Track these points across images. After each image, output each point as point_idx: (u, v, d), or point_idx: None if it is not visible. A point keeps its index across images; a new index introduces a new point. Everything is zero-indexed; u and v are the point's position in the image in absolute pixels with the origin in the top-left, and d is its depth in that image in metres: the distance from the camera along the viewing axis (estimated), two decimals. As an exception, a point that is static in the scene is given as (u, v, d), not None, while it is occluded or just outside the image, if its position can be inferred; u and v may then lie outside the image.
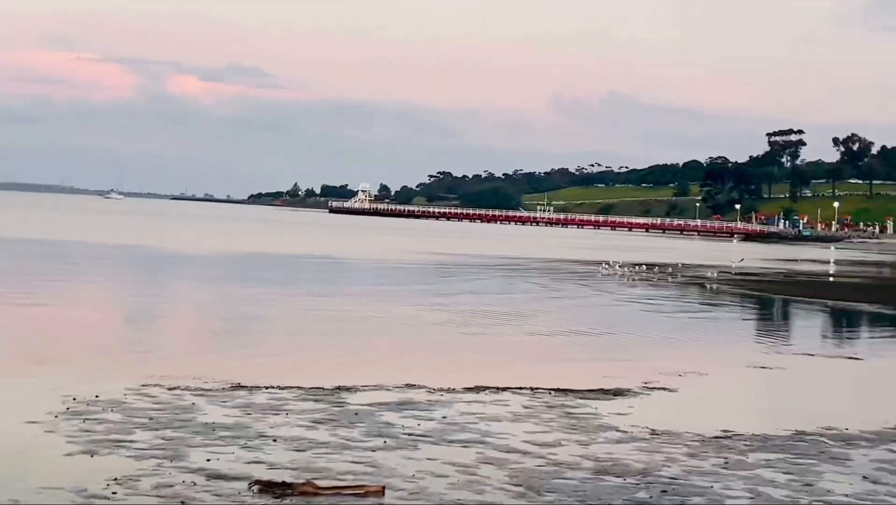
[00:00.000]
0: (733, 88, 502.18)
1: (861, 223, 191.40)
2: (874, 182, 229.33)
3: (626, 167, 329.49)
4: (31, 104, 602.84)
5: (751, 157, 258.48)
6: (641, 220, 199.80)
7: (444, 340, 20.70)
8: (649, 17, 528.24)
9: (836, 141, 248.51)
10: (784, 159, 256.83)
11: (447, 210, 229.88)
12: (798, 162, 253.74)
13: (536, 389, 14.84)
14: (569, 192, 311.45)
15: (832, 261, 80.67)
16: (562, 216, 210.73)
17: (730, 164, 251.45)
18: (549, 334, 22.44)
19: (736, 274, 50.68)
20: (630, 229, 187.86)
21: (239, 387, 13.60)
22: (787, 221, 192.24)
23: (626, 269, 48.29)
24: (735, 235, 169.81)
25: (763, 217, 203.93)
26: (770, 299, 35.38)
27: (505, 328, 23.02)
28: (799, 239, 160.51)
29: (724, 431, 12.54)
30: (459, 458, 10.37)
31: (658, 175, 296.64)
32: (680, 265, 54.95)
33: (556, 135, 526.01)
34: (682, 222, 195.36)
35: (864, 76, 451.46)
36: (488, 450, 10.80)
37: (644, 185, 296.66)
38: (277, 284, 33.43)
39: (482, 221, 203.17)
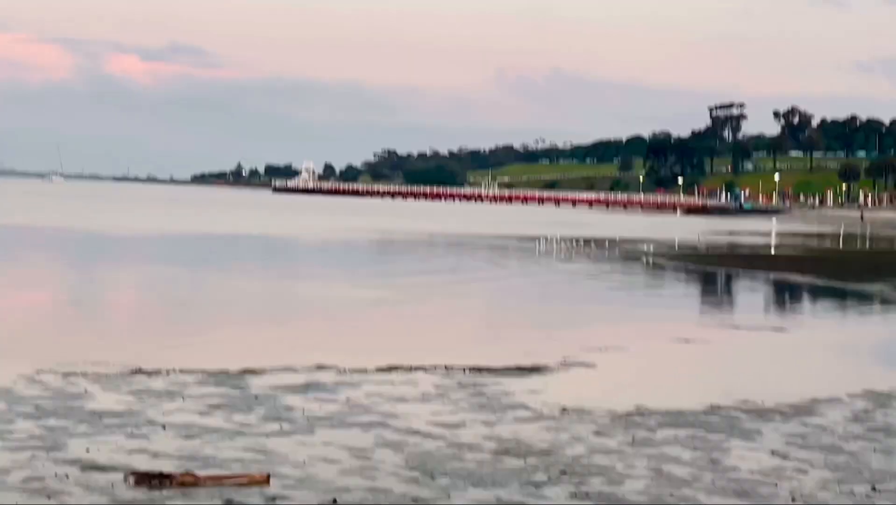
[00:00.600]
0: (676, 63, 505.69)
1: (801, 195, 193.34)
2: (815, 154, 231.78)
3: (571, 143, 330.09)
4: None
5: (693, 131, 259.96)
6: (585, 196, 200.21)
7: (371, 320, 20.29)
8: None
9: (776, 114, 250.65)
10: (726, 133, 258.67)
11: (392, 188, 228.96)
12: (739, 135, 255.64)
13: (451, 367, 14.47)
14: (514, 168, 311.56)
15: (769, 233, 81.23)
16: (506, 193, 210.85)
17: (672, 139, 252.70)
18: (477, 311, 22.15)
19: (673, 247, 50.75)
20: (574, 205, 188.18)
21: (139, 372, 13.08)
22: (729, 195, 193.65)
23: (563, 244, 48.18)
24: (678, 209, 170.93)
25: (706, 191, 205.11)
26: (703, 272, 35.32)
27: (435, 306, 22.68)
28: (740, 212, 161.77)
29: (637, 406, 12.27)
30: (356, 441, 9.98)
31: (602, 151, 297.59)
32: (618, 239, 55.00)
33: (500, 112, 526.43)
34: (625, 197, 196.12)
35: (805, 50, 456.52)
36: (388, 432, 10.41)
37: (588, 160, 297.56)
38: (213, 265, 32.84)
39: (427, 199, 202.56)
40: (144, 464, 8.84)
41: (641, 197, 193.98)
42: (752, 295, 28.96)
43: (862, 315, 23.97)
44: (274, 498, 8.11)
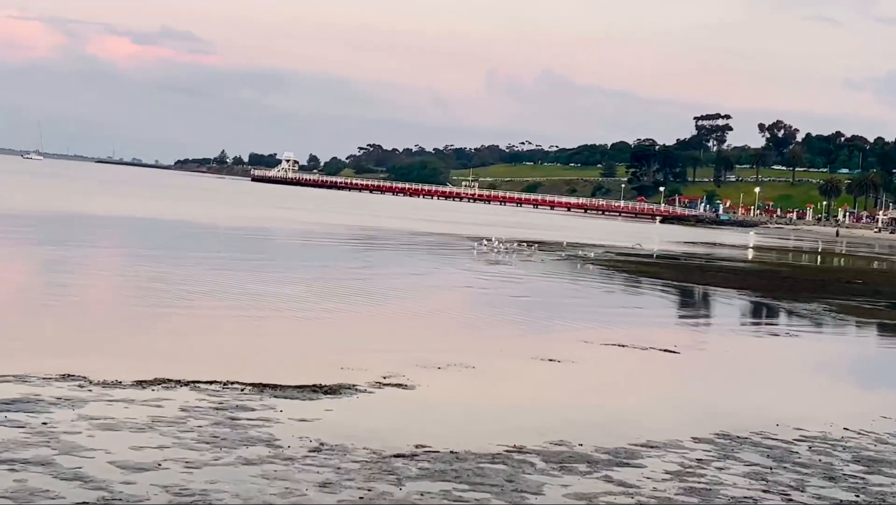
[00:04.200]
0: (666, 73, 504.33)
1: (779, 209, 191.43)
2: (797, 169, 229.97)
3: (556, 146, 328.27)
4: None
5: (678, 140, 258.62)
6: (564, 200, 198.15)
7: (214, 319, 17.91)
8: (585, 0, 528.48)
9: (761, 127, 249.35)
10: (710, 143, 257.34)
11: (371, 183, 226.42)
12: (724, 146, 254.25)
13: (232, 383, 12.12)
14: (497, 168, 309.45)
15: (734, 245, 79.03)
16: (485, 193, 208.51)
17: (657, 147, 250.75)
18: (345, 316, 19.71)
19: (619, 254, 48.40)
20: (552, 208, 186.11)
21: None
22: (708, 205, 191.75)
23: (503, 246, 45.84)
24: (656, 217, 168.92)
25: (686, 200, 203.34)
26: (632, 282, 32.98)
27: (306, 305, 20.29)
28: (716, 223, 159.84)
29: (417, 445, 9.94)
30: (-20, 487, 7.59)
31: (586, 155, 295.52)
32: (565, 244, 52.66)
33: (488, 112, 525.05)
34: (604, 203, 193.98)
35: (795, 65, 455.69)
36: (38, 476, 8.00)
37: (572, 164, 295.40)
38: (93, 248, 30.40)
39: (406, 195, 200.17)
40: None
41: (621, 203, 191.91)
42: (667, 308, 26.56)
43: (775, 338, 21.62)
44: None
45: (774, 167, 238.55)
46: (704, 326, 23.31)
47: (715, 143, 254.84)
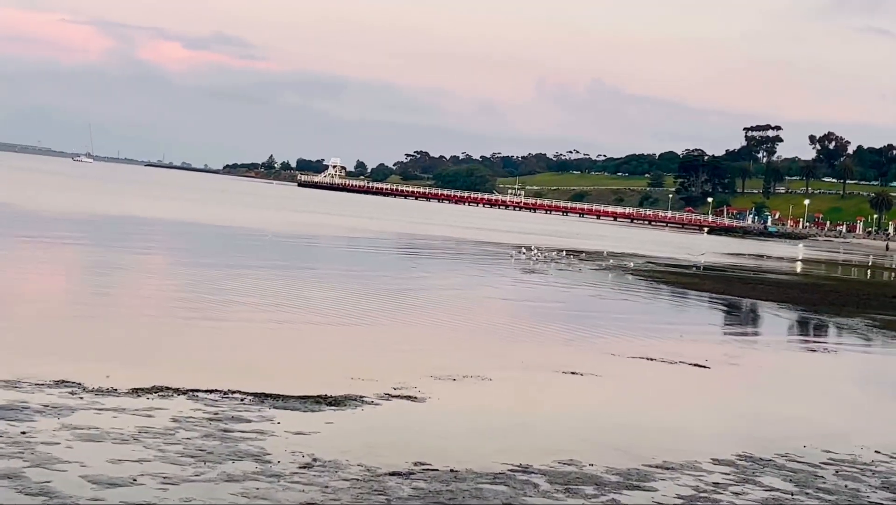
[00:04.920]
0: (716, 84, 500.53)
1: (829, 222, 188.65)
2: (848, 182, 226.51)
3: (604, 155, 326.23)
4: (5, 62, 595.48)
5: (727, 150, 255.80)
6: (610, 209, 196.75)
7: (255, 327, 17.51)
8: (637, 9, 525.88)
9: (812, 139, 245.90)
10: (760, 155, 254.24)
11: (417, 189, 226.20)
12: (774, 158, 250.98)
13: (234, 392, 11.67)
14: (544, 177, 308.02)
15: (779, 257, 77.72)
16: (531, 201, 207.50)
17: (705, 157, 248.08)
18: (364, 324, 19.23)
19: (659, 265, 47.54)
20: (598, 217, 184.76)
21: None
22: (757, 217, 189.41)
23: (542, 255, 45.22)
24: (703, 228, 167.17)
25: (735, 211, 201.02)
26: (671, 293, 32.21)
27: (327, 314, 19.86)
28: (764, 234, 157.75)
29: (416, 462, 9.43)
30: (-64, 500, 7.18)
31: (634, 165, 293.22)
32: (606, 253, 51.88)
33: (536, 120, 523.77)
34: (651, 213, 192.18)
35: (844, 76, 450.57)
36: (2, 491, 7.58)
37: (619, 174, 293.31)
38: (150, 252, 30.23)
39: (451, 202, 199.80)
40: None
41: (668, 213, 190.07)
42: (703, 321, 25.76)
43: (812, 353, 20.83)
44: None
45: (825, 179, 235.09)
46: (739, 339, 22.54)
47: (765, 154, 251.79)
